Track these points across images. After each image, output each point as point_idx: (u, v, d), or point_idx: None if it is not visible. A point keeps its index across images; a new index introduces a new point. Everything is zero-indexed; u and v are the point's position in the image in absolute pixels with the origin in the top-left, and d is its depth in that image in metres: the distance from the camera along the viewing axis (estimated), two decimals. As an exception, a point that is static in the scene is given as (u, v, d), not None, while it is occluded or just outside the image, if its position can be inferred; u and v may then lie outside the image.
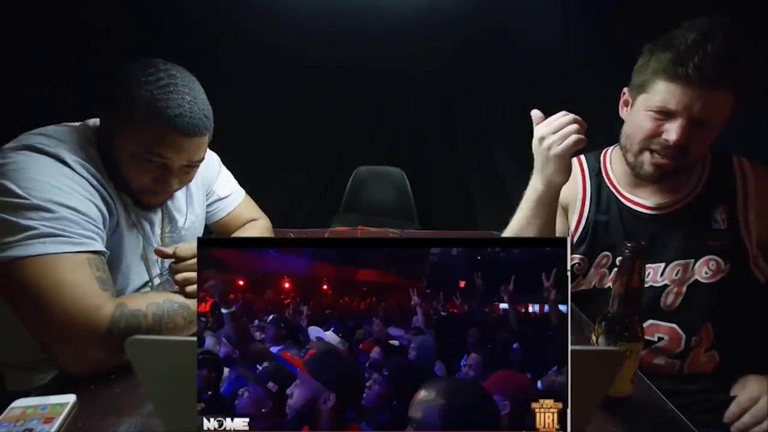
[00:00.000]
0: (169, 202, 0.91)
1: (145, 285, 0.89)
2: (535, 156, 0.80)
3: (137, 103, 0.69)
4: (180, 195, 0.94)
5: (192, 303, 0.72)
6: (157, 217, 0.89)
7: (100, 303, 0.63)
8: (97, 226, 0.70)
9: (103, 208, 0.73)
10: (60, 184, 0.67)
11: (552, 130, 0.75)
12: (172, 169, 0.76)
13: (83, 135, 0.76)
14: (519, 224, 0.84)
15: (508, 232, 0.87)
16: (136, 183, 0.76)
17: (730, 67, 0.71)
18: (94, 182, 0.72)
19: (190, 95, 0.73)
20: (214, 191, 1.05)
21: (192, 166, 0.80)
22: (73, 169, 0.70)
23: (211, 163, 1.04)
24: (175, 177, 0.77)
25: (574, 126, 0.74)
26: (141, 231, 0.84)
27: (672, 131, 0.75)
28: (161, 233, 0.91)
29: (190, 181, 0.84)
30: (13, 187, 0.64)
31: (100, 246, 0.70)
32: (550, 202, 0.81)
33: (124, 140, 0.72)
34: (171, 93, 0.70)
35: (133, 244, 0.83)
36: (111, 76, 0.72)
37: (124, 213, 0.79)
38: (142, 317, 0.66)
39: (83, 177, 0.71)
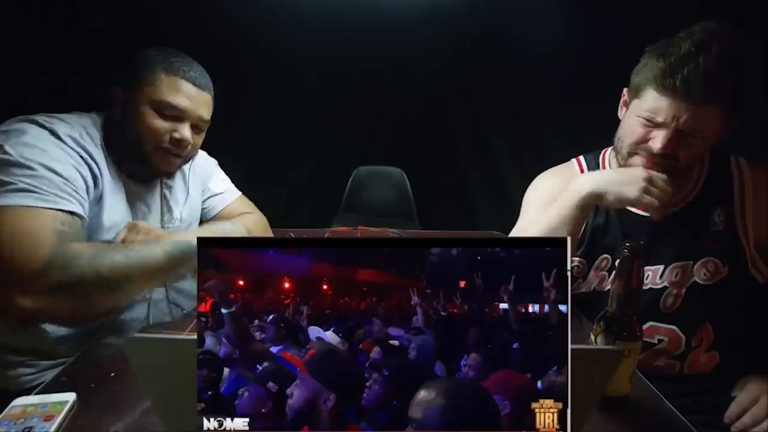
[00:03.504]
0: (167, 192, 0.96)
1: None
2: (616, 172, 0.78)
3: (156, 66, 0.82)
4: (179, 187, 0.99)
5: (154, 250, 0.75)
6: (155, 205, 0.93)
7: (42, 245, 0.65)
8: (76, 191, 0.74)
9: (90, 181, 0.77)
10: (49, 150, 0.73)
11: (660, 184, 0.75)
12: (187, 122, 0.85)
13: (86, 117, 0.84)
14: (552, 225, 0.80)
15: (537, 230, 0.82)
16: (153, 139, 0.82)
17: (721, 82, 0.70)
18: (86, 156, 0.78)
19: (196, 63, 0.88)
20: (209, 188, 1.09)
21: (201, 129, 0.89)
22: (64, 142, 0.76)
23: (208, 164, 1.10)
24: (187, 131, 0.85)
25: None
26: (138, 213, 0.88)
27: (657, 140, 0.75)
28: (161, 222, 0.93)
29: (197, 148, 0.92)
30: (5, 146, 0.70)
31: (75, 207, 0.73)
32: (586, 209, 0.80)
33: (142, 102, 0.81)
34: (183, 58, 0.87)
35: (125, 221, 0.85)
36: (128, 58, 0.85)
37: (123, 189, 0.85)
38: (85, 262, 0.66)
39: (74, 149, 0.77)
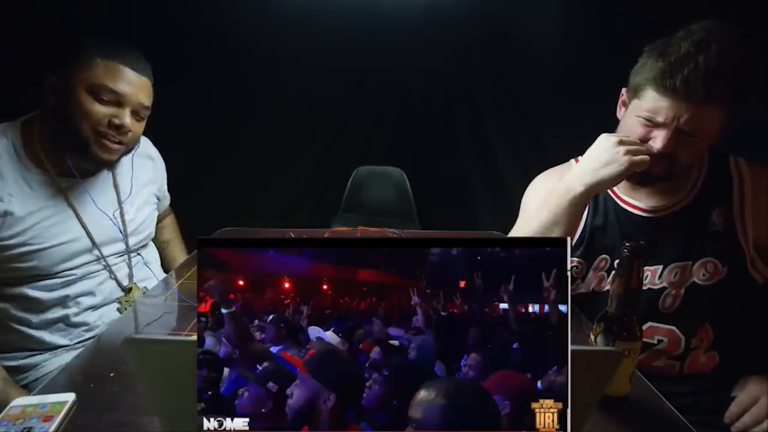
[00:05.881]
0: (119, 182, 0.98)
1: (100, 261, 0.93)
2: (593, 157, 0.79)
3: (92, 51, 0.82)
4: (125, 168, 1.00)
5: None
6: (105, 186, 0.95)
7: None
8: None
9: None
10: None
11: (634, 141, 0.77)
12: (127, 108, 0.84)
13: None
14: (545, 224, 0.81)
15: (529, 231, 0.83)
16: (90, 124, 0.82)
17: (721, 81, 0.70)
18: None
19: (134, 49, 0.87)
20: (164, 191, 1.16)
21: (141, 116, 0.89)
22: None
23: (162, 167, 1.14)
24: (128, 118, 0.84)
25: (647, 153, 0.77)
26: (74, 205, 0.89)
27: (658, 139, 0.75)
28: (119, 213, 0.96)
29: (138, 136, 0.92)
30: None
31: None
32: (582, 206, 0.80)
33: (78, 87, 0.81)
34: (121, 44, 0.86)
35: (68, 222, 0.87)
36: (67, 41, 0.85)
37: (44, 191, 0.85)
38: None
39: None
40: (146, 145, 1.10)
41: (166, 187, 1.18)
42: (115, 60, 0.82)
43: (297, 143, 2.04)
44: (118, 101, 0.83)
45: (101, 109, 0.82)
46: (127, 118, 0.84)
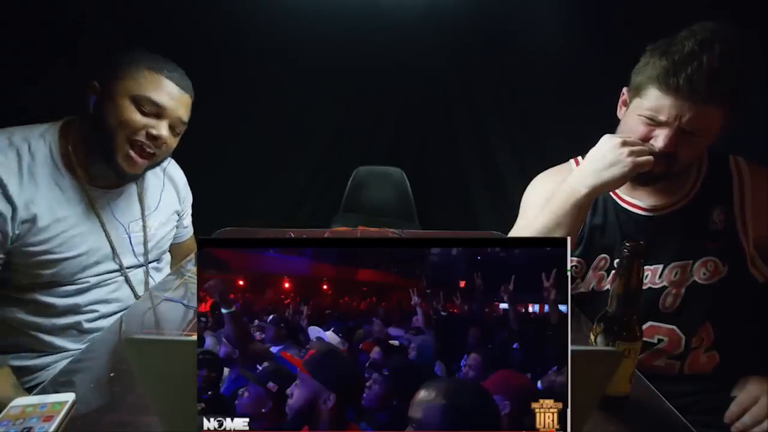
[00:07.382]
0: (144, 196, 0.97)
1: (117, 272, 0.92)
2: (596, 158, 0.78)
3: (139, 63, 0.83)
4: (153, 183, 1.01)
5: None
6: (130, 199, 0.95)
7: None
8: None
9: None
10: None
11: (637, 142, 0.77)
12: (165, 120, 0.85)
13: (36, 130, 0.85)
14: (547, 225, 0.80)
15: (532, 232, 0.83)
16: (127, 132, 0.82)
17: (724, 81, 0.70)
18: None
19: (179, 67, 0.89)
20: (183, 221, 1.13)
21: (177, 131, 0.89)
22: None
23: (187, 187, 1.13)
24: (165, 130, 0.85)
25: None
26: (100, 215, 0.88)
27: (660, 138, 0.75)
28: (143, 222, 0.96)
29: (171, 150, 0.91)
30: None
31: None
32: (586, 207, 0.80)
33: (121, 95, 0.81)
34: (167, 60, 0.87)
35: (93, 232, 0.87)
36: (113, 51, 0.85)
37: (74, 199, 0.85)
38: None
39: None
40: (176, 171, 1.09)
41: (190, 217, 1.17)
42: (161, 73, 0.84)
43: (297, 143, 2.04)
44: (158, 113, 0.84)
45: (140, 119, 0.82)
46: (164, 131, 0.85)
